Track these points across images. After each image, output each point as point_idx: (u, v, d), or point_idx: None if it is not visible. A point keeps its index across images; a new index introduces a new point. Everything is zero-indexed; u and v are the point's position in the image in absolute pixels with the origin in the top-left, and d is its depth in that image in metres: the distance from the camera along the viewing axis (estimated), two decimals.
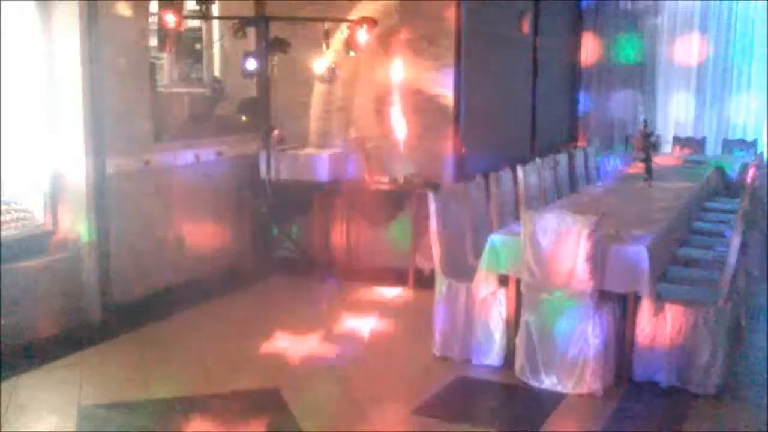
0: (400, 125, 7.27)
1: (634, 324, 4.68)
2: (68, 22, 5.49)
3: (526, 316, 4.75)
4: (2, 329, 4.97)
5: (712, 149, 10.64)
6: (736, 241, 4.62)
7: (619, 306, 4.74)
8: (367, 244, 7.30)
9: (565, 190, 7.72)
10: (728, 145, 10.46)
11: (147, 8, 6.21)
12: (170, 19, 6.22)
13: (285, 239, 7.34)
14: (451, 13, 7.12)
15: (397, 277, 6.94)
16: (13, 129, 5.40)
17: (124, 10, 5.86)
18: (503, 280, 4.97)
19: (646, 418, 4.41)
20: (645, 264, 4.52)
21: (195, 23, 7.75)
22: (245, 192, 7.23)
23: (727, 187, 8.79)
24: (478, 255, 5.21)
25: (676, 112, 11.36)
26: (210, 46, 7.83)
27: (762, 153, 9.00)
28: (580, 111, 11.99)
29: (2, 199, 5.38)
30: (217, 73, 8.05)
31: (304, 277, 7.06)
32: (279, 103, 7.34)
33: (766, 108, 10.69)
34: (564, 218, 4.54)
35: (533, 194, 6.81)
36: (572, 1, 11.65)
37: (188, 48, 7.73)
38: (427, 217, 5.42)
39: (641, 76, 11.52)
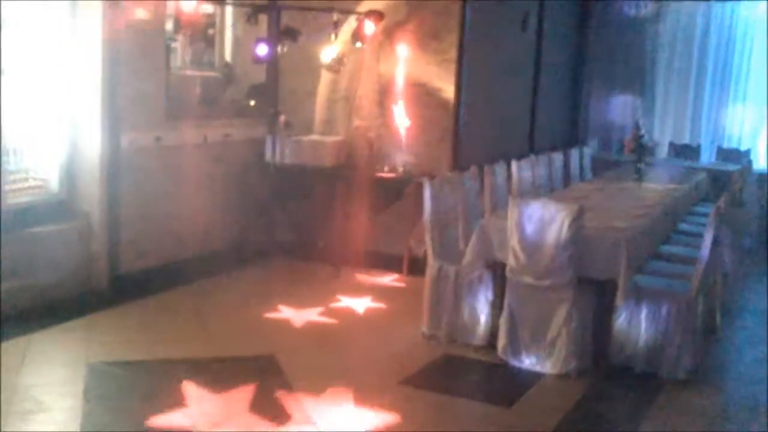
0: (401, 117, 7.55)
1: (611, 310, 4.98)
2: (91, 3, 5.77)
3: (510, 299, 5.04)
4: (14, 291, 5.26)
5: (707, 157, 10.91)
6: (708, 238, 4.91)
7: (598, 293, 5.02)
8: (365, 230, 7.56)
9: (557, 187, 8.00)
10: (722, 153, 10.72)
11: None
12: (187, 4, 6.49)
13: (286, 222, 7.62)
14: (456, 9, 7.37)
15: (393, 263, 7.23)
16: (33, 102, 5.69)
17: None
18: (490, 265, 5.26)
19: (617, 399, 4.71)
20: (623, 254, 4.81)
21: (208, 8, 8.01)
22: (250, 174, 7.51)
23: (718, 194, 9.06)
24: (468, 241, 5.49)
25: (674, 119, 11.65)
26: (222, 31, 8.11)
27: (750, 161, 9.26)
28: (581, 113, 12.28)
29: (21, 167, 5.66)
30: (228, 57, 8.33)
31: (303, 259, 7.36)
32: (286, 89, 7.62)
33: (762, 119, 11.00)
34: (548, 207, 4.84)
35: (525, 188, 7.09)
36: (577, 3, 11.91)
37: (201, 32, 7.99)
38: (422, 205, 5.71)
39: (641, 82, 11.81)
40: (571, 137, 11.96)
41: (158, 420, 3.94)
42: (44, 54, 5.74)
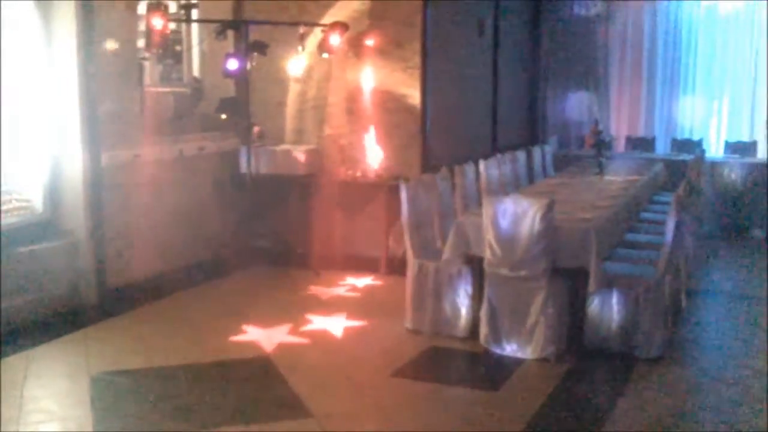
0: (370, 123, 7.80)
1: (584, 297, 5.28)
2: (66, 23, 5.94)
3: (489, 291, 5.31)
4: (8, 310, 5.38)
5: (662, 148, 11.36)
6: (671, 224, 5.25)
7: (571, 281, 5.32)
8: (341, 234, 7.79)
9: (523, 183, 8.32)
10: (677, 144, 11.18)
11: (136, 11, 6.65)
12: (157, 21, 6.65)
13: (263, 230, 7.81)
14: (417, 18, 7.64)
15: (371, 264, 7.47)
16: (14, 123, 5.81)
17: (117, 12, 6.29)
18: (468, 260, 5.53)
19: (595, 379, 5.02)
20: (592, 243, 5.11)
21: (175, 25, 8.17)
22: (227, 185, 7.70)
23: (675, 183, 9.47)
24: (444, 238, 5.77)
25: (628, 113, 12.11)
26: (190, 47, 8.27)
27: (703, 151, 9.71)
28: (539, 111, 12.69)
29: (4, 189, 5.78)
30: (196, 73, 8.49)
31: (283, 266, 7.55)
32: (257, 101, 7.80)
33: (710, 109, 11.52)
34: (520, 202, 5.13)
35: (494, 186, 7.38)
36: (530, 5, 12.31)
37: (169, 49, 8.14)
38: (397, 207, 5.96)
39: (596, 79, 12.25)
40: (532, 135, 12.34)
41: (167, 424, 4.11)
42: (22, 77, 5.86)
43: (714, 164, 9.92)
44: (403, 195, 5.82)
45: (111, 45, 6.24)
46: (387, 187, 7.47)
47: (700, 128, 11.65)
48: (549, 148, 10.05)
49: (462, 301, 5.57)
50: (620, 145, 11.38)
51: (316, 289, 6.85)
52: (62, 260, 5.96)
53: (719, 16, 11.43)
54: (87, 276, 6.08)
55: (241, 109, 7.50)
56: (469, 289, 5.55)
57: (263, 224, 7.77)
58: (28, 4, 5.85)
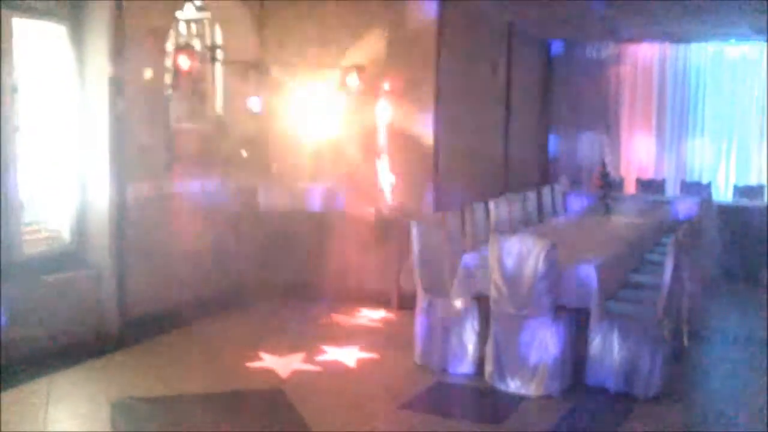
0: (385, 162, 8.07)
1: (586, 335, 5.46)
2: (97, 60, 6.26)
3: (494, 328, 5.51)
4: (32, 336, 5.63)
5: (672, 190, 11.54)
6: (669, 265, 5.44)
7: (574, 319, 5.51)
8: (356, 269, 8.02)
9: (533, 223, 8.52)
10: (685, 187, 11.35)
11: (164, 50, 6.99)
12: (184, 61, 6.97)
13: (280, 264, 8.05)
14: (431, 62, 7.94)
15: (383, 299, 7.69)
16: (46, 157, 6.12)
17: (147, 51, 6.62)
18: (475, 297, 5.74)
19: (595, 416, 5.17)
20: (594, 283, 5.31)
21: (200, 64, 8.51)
22: (245, 220, 7.96)
23: (682, 224, 9.64)
24: (453, 276, 5.98)
25: (638, 155, 12.34)
26: (214, 86, 8.59)
27: (710, 194, 9.88)
28: (550, 152, 12.96)
29: (34, 219, 6.06)
30: (219, 111, 8.81)
31: (298, 299, 7.78)
32: (276, 139, 8.10)
33: (719, 152, 11.73)
34: (525, 241, 5.35)
35: (503, 225, 7.59)
36: (542, 48, 12.64)
37: (195, 87, 8.47)
38: (408, 244, 6.19)
39: (606, 121, 12.51)
40: (542, 175, 12.59)
41: None
42: (55, 112, 6.18)
43: (722, 207, 10.06)
44: (414, 232, 6.05)
45: (140, 82, 6.55)
46: (400, 224, 7.69)
47: (709, 171, 11.86)
48: (559, 188, 10.28)
49: (468, 337, 5.76)
50: (630, 187, 11.58)
51: (330, 321, 7.07)
52: (86, 289, 6.21)
53: (727, 60, 11.70)
54: (109, 305, 6.32)
55: (261, 146, 7.80)
56: (476, 325, 5.74)
57: (280, 258, 8.02)
58: (63, 43, 6.19)
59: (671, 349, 5.77)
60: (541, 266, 5.23)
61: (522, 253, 5.31)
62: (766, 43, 11.03)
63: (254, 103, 7.36)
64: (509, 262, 5.36)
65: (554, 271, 5.28)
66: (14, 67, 5.69)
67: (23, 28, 5.82)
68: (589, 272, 5.34)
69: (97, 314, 6.29)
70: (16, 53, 5.70)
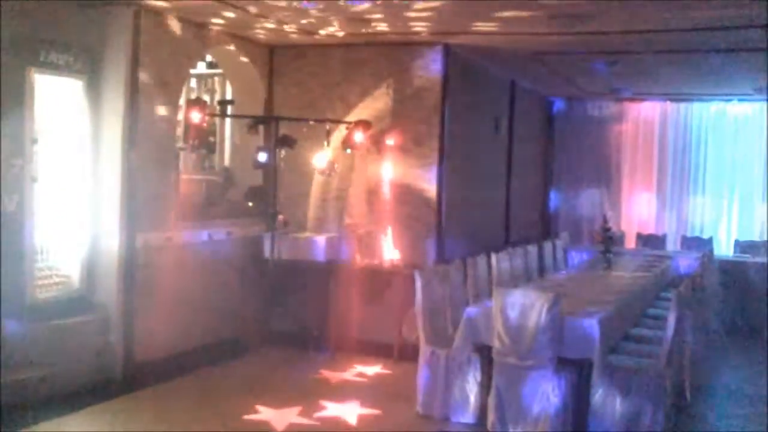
0: (388, 214, 8.21)
1: (588, 387, 5.51)
2: (113, 117, 6.49)
3: (497, 379, 5.57)
4: (39, 379, 5.70)
5: (672, 245, 11.65)
6: (671, 319, 5.53)
7: (576, 371, 5.57)
8: (357, 319, 8.09)
9: (534, 276, 8.62)
10: (687, 242, 11.46)
11: (177, 104, 7.20)
12: (195, 116, 7.18)
13: (283, 313, 8.13)
14: (435, 119, 8.15)
15: (384, 350, 7.73)
16: (60, 205, 6.27)
17: (160, 104, 6.83)
18: (478, 348, 5.81)
19: None
20: (597, 336, 5.39)
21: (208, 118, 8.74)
22: (250, 268, 8.07)
23: (683, 279, 9.72)
24: (456, 327, 6.06)
25: (639, 210, 12.50)
26: (223, 139, 8.82)
27: (711, 249, 9.99)
28: (551, 207, 13.14)
29: (45, 265, 6.19)
30: (227, 162, 9.01)
31: (300, 348, 7.83)
32: (283, 191, 8.26)
33: (720, 208, 11.89)
34: (528, 294, 5.45)
35: (505, 278, 7.69)
36: (544, 105, 12.92)
37: (204, 140, 8.69)
38: (411, 295, 6.29)
39: (607, 176, 12.70)
40: (543, 230, 12.75)
41: None
42: (70, 162, 6.36)
43: (723, 262, 10.14)
44: (418, 283, 6.15)
45: (152, 135, 6.74)
46: (402, 275, 7.82)
47: (710, 226, 12.00)
48: (560, 243, 10.40)
49: (471, 387, 5.82)
50: (630, 242, 11.68)
51: (329, 374, 7.11)
52: (93, 334, 6.31)
53: (728, 118, 11.95)
54: (116, 350, 6.41)
55: (268, 197, 7.96)
56: (478, 376, 5.80)
57: (283, 307, 8.10)
58: (80, 97, 6.40)
59: (673, 403, 5.82)
60: (543, 319, 5.32)
61: (525, 306, 5.40)
62: (766, 103, 11.28)
63: (262, 156, 7.53)
64: (513, 315, 5.45)
65: (557, 324, 5.37)
66: (34, 119, 5.89)
67: (42, 82, 6.03)
68: (591, 325, 5.42)
69: (104, 358, 6.38)
70: (36, 107, 5.91)
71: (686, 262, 9.92)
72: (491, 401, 5.58)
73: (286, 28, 7.38)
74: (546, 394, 5.39)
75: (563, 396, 5.42)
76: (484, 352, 5.78)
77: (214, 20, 7.15)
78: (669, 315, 5.62)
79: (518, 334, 5.44)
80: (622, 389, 5.45)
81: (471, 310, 5.91)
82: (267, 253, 7.93)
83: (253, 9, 6.62)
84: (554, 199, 13.14)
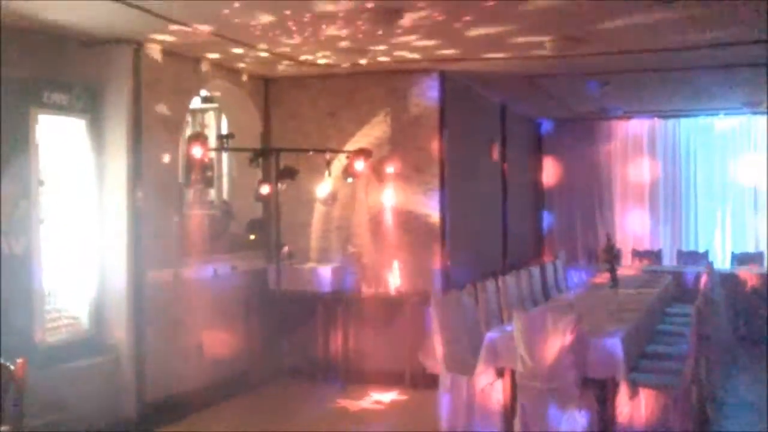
0: (392, 242, 8.17)
1: (614, 406, 5.47)
2: (116, 154, 6.41)
3: (521, 402, 5.51)
4: (50, 425, 5.55)
5: (668, 260, 11.70)
6: (693, 334, 5.51)
7: (601, 391, 5.53)
8: (365, 349, 8.01)
9: (538, 298, 8.60)
10: (682, 256, 11.51)
11: (179, 140, 7.14)
12: (197, 150, 7.11)
13: (291, 345, 8.03)
14: (435, 145, 8.14)
15: (395, 378, 7.65)
16: (67, 246, 6.16)
17: (162, 141, 6.77)
18: (500, 372, 5.75)
19: None
20: (620, 353, 5.36)
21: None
22: (256, 301, 7.98)
23: (684, 293, 9.77)
24: (473, 352, 6.00)
25: (633, 226, 12.55)
26: (221, 173, 8.75)
27: (712, 263, 10.03)
28: (545, 228, 13.18)
29: (54, 307, 6.06)
30: (225, 196, 8.93)
31: (310, 381, 7.73)
32: (285, 222, 8.19)
33: (714, 220, 11.98)
34: (549, 315, 5.40)
35: (513, 300, 7.66)
36: (533, 127, 13.02)
37: (204, 175, 8.61)
38: (418, 322, 6.23)
39: (600, 194, 12.77)
40: (539, 249, 12.76)
41: None
42: (76, 202, 6.26)
43: (723, 275, 10.16)
44: (434, 311, 6.10)
45: (156, 171, 6.67)
46: (408, 303, 7.77)
47: (705, 239, 12.07)
48: (559, 263, 10.40)
49: (494, 411, 5.74)
50: (627, 259, 11.71)
51: (347, 402, 7.04)
52: (104, 375, 6.18)
53: (716, 132, 12.08)
54: (127, 390, 6.28)
55: (268, 229, 7.89)
56: (502, 400, 5.74)
57: (290, 339, 8.00)
58: (83, 136, 6.33)
59: (697, 418, 5.78)
60: (567, 339, 5.28)
61: (547, 327, 5.37)
62: (752, 115, 11.44)
63: (264, 188, 7.48)
64: (535, 337, 5.40)
65: (581, 345, 5.33)
66: (39, 160, 5.81)
67: (45, 122, 5.96)
68: (614, 344, 5.39)
69: (116, 399, 6.26)
70: (41, 147, 5.83)
71: (689, 276, 9.98)
72: (517, 425, 5.51)
73: (282, 63, 7.36)
74: (572, 416, 5.33)
75: (589, 417, 5.36)
76: (507, 377, 5.72)
77: (210, 55, 7.12)
78: (690, 331, 5.61)
79: (542, 357, 5.39)
80: (648, 408, 5.41)
81: (491, 335, 5.85)
82: (272, 284, 7.84)
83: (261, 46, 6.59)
84: (547, 219, 13.18)
